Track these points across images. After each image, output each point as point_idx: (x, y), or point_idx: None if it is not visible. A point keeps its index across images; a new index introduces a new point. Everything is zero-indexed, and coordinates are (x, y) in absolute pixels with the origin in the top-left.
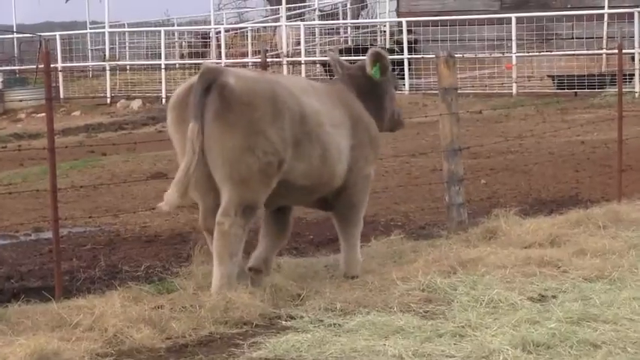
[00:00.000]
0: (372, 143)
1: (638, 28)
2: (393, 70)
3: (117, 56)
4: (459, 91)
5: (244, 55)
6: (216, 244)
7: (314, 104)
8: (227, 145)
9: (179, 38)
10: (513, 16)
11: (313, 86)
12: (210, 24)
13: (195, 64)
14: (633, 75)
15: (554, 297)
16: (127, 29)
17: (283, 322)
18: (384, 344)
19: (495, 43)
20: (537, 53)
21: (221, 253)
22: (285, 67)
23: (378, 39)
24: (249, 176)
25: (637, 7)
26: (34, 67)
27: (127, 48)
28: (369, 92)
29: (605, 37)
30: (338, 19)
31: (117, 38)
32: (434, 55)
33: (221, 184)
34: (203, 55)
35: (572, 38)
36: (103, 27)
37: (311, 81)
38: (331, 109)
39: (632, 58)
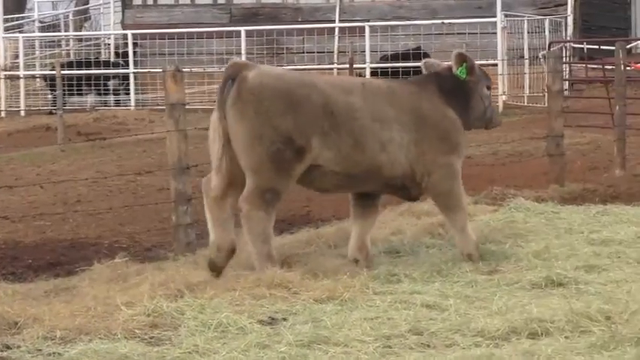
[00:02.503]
0: (445, 136)
1: (368, 43)
2: (122, 84)
3: None
4: (187, 107)
5: None
6: (244, 228)
7: (352, 100)
8: (239, 134)
9: None
10: (243, 29)
11: (366, 85)
12: None
13: None
14: None
15: (284, 319)
16: None
17: None
18: None
19: (225, 57)
20: None
21: (248, 236)
22: (2, 81)
23: (103, 52)
24: (261, 164)
25: (368, 21)
26: None
27: None
28: (454, 91)
29: (336, 51)
30: (60, 30)
31: None
32: (161, 70)
33: (245, 172)
34: None
35: (303, 52)
36: None
37: (371, 80)
38: (380, 105)
39: (360, 74)
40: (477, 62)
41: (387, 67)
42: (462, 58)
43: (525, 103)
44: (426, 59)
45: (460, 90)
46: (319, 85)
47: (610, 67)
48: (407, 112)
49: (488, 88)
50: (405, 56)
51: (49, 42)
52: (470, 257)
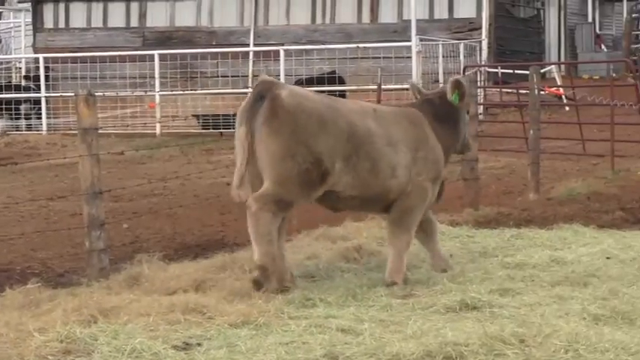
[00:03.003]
0: (435, 163)
1: (283, 67)
2: (34, 108)
3: None
4: (99, 131)
5: None
6: (248, 224)
7: (368, 125)
8: (270, 149)
9: None
10: (156, 52)
11: (377, 110)
12: None
13: None
14: None
15: (199, 345)
16: None
17: None
18: None
19: (138, 80)
20: (182, 92)
21: (253, 234)
22: None
23: (14, 76)
24: (288, 179)
25: (282, 45)
26: None
27: None
28: (445, 117)
29: (250, 75)
30: None
31: None
32: (73, 94)
33: (265, 178)
34: None
35: (218, 76)
36: None
37: (378, 106)
38: (391, 129)
39: None
40: (392, 86)
41: None
42: (456, 85)
43: None
44: (410, 82)
45: (451, 116)
46: (341, 108)
47: (524, 91)
48: (411, 135)
49: (468, 112)
50: (320, 80)
51: None
52: (391, 284)
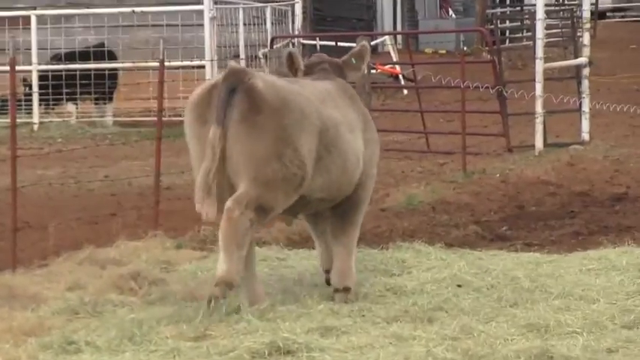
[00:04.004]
0: (377, 142)
1: (35, 37)
2: None
3: None
4: None
5: None
6: (222, 231)
7: (333, 114)
8: (254, 148)
9: None
10: None
11: (329, 91)
12: None
13: None
14: (31, 100)
15: None
16: None
17: None
18: None
19: None
20: None
21: (227, 240)
22: None
23: None
24: (273, 182)
25: (34, 9)
26: None
27: None
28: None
29: None
30: None
31: None
32: None
33: (241, 181)
34: None
35: None
36: None
37: (324, 84)
38: (347, 113)
39: (25, 80)
40: (179, 63)
41: (61, 70)
42: (367, 52)
43: None
44: (290, 50)
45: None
46: (311, 98)
47: None
48: (359, 116)
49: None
50: (85, 55)
51: None
52: (345, 291)
